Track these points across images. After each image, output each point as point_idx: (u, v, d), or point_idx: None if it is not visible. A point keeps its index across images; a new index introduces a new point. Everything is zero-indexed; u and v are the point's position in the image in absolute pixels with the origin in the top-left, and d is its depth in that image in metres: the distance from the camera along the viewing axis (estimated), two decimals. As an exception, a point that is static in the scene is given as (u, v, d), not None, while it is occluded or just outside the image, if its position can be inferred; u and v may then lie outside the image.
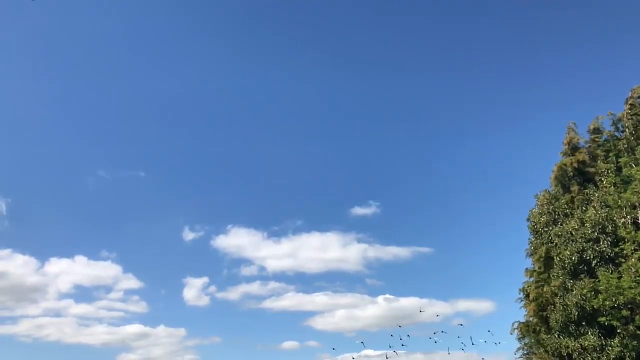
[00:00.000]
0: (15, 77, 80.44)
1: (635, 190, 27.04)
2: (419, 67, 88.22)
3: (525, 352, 33.97)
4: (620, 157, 30.50)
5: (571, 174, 32.41)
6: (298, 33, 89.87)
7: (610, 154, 31.83)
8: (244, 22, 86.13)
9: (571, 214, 30.94)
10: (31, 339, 62.76)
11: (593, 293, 27.07)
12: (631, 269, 25.69)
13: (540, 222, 32.55)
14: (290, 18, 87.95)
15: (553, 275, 30.11)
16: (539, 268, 32.14)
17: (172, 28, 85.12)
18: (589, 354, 27.16)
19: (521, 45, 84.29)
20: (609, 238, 28.09)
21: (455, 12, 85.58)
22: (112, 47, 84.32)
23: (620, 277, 25.99)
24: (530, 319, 32.65)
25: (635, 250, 26.35)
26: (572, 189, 32.10)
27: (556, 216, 31.76)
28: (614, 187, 29.50)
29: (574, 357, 27.83)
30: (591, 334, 27.38)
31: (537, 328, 31.60)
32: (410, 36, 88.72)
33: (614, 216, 28.12)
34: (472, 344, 27.46)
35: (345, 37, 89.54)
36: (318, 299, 65.59)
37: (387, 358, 29.44)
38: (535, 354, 32.15)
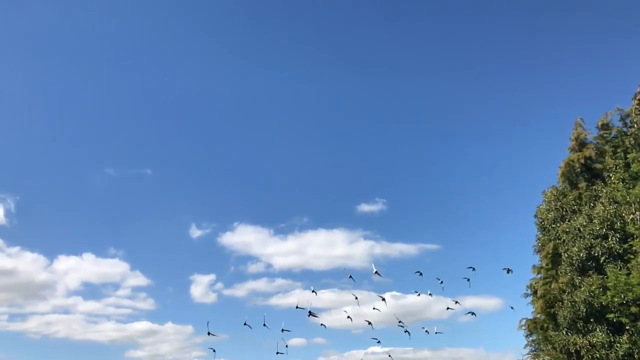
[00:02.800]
0: (22, 76, 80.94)
1: (644, 186, 26.87)
2: (424, 65, 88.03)
3: (532, 348, 33.88)
4: (629, 153, 30.28)
5: (578, 170, 32.19)
6: (305, 34, 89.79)
7: (619, 150, 31.62)
8: (251, 23, 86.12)
9: (579, 210, 30.76)
10: (40, 336, 63.33)
11: (601, 290, 26.94)
12: (640, 265, 25.54)
13: (547, 219, 32.41)
14: (295, 19, 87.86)
15: (561, 272, 29.99)
16: (547, 265, 32.01)
17: (180, 28, 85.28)
18: (597, 351, 27.00)
19: (528, 42, 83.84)
20: (617, 234, 27.91)
21: (462, 10, 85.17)
22: (118, 47, 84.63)
23: (629, 273, 25.86)
24: (538, 315, 32.54)
25: (644, 246, 26.18)
26: (579, 185, 31.89)
27: (564, 212, 31.59)
28: (623, 183, 29.31)
29: (582, 354, 27.69)
30: (599, 330, 27.22)
31: (545, 325, 31.49)
32: (416, 36, 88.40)
33: (623, 212, 27.93)
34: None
35: (352, 37, 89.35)
36: (325, 296, 65.60)
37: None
38: (543, 350, 32.04)
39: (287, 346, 23.92)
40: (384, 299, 24.78)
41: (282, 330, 23.99)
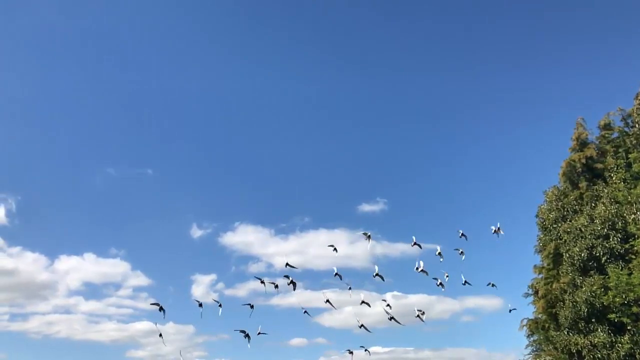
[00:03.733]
0: (23, 75, 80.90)
1: (646, 186, 26.86)
2: (425, 65, 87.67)
3: (534, 349, 33.90)
4: (630, 153, 30.28)
5: (580, 170, 32.20)
6: (306, 34, 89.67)
7: (620, 150, 31.62)
8: (251, 23, 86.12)
9: (580, 210, 30.76)
10: (41, 336, 63.16)
11: (603, 290, 26.94)
12: (641, 265, 25.54)
13: (549, 219, 32.41)
14: (296, 18, 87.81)
15: (562, 272, 29.99)
16: (548, 265, 32.03)
17: (180, 28, 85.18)
18: (599, 351, 27.01)
19: (528, 42, 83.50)
20: (618, 234, 27.90)
21: (463, 11, 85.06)
22: (118, 46, 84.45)
23: (631, 273, 25.85)
24: (539, 315, 32.57)
25: (646, 246, 26.18)
26: (580, 185, 31.88)
27: (565, 212, 31.59)
28: (624, 183, 29.31)
29: (583, 354, 27.69)
30: (601, 330, 27.22)
31: (546, 325, 31.50)
32: (418, 35, 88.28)
33: (624, 212, 27.93)
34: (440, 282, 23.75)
35: (352, 37, 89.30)
36: (326, 296, 65.43)
37: None
38: (544, 350, 32.05)
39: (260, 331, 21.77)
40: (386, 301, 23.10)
41: (250, 306, 22.25)
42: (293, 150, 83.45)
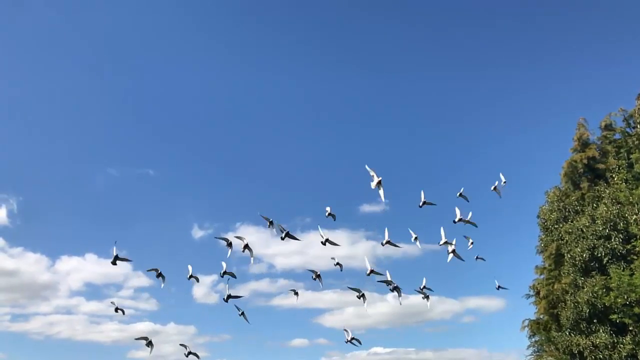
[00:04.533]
0: (24, 75, 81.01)
1: (647, 186, 26.83)
2: (427, 66, 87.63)
3: (535, 349, 33.88)
4: (632, 154, 30.24)
5: (581, 170, 32.18)
6: (309, 33, 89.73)
7: (622, 150, 31.57)
8: (253, 22, 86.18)
9: (582, 210, 30.73)
10: (43, 336, 63.25)
11: (604, 290, 26.90)
12: (643, 266, 25.50)
13: (550, 219, 32.38)
14: (299, 17, 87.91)
15: (564, 273, 29.96)
16: (550, 265, 32.01)
17: (181, 27, 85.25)
18: (600, 352, 27.00)
19: (530, 42, 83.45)
20: (620, 235, 27.85)
21: (463, 12, 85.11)
22: (119, 46, 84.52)
23: (632, 274, 25.81)
24: (541, 316, 32.56)
25: (647, 247, 26.15)
26: (582, 185, 31.86)
27: (566, 213, 31.56)
28: (625, 183, 29.28)
29: (585, 354, 27.67)
30: (602, 331, 27.20)
31: (548, 326, 31.49)
32: (419, 35, 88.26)
33: (626, 213, 27.88)
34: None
35: (356, 36, 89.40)
36: (327, 297, 65.27)
37: None
38: (546, 351, 32.04)
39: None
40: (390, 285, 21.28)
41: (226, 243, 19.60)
42: (294, 150, 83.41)
